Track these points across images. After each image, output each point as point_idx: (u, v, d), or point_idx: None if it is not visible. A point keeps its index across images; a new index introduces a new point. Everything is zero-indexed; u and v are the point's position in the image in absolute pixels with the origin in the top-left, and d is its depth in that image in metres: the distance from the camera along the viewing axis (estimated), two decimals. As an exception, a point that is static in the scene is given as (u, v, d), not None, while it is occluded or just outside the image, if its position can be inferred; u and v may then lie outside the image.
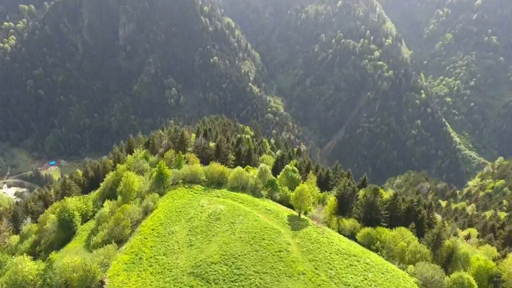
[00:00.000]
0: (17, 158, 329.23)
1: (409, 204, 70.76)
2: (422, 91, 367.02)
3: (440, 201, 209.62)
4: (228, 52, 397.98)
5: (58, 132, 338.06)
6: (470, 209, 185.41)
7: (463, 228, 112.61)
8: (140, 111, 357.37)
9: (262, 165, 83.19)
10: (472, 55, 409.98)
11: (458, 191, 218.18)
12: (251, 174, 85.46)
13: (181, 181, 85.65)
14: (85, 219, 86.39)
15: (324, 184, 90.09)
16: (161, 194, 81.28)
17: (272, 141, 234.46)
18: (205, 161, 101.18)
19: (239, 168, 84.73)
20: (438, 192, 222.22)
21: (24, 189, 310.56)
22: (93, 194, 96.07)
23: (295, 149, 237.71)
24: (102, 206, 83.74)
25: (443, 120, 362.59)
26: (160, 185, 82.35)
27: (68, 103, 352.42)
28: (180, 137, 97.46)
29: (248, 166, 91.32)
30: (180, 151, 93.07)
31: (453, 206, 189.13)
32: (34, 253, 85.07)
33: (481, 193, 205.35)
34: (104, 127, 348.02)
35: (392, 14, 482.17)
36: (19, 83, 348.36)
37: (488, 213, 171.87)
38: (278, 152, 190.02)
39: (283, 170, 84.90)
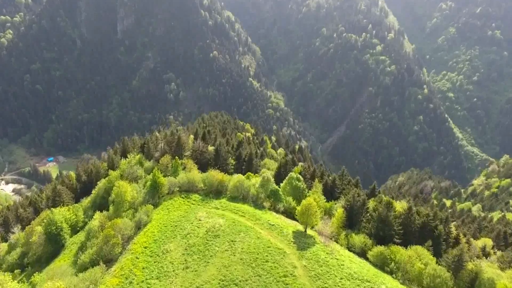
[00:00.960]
0: (15, 154, 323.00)
1: (424, 219, 64.53)
2: (425, 86, 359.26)
3: (444, 200, 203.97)
4: (228, 47, 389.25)
5: (56, 128, 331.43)
6: (475, 209, 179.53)
7: (474, 236, 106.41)
8: (139, 106, 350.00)
9: (264, 173, 76.69)
10: (476, 50, 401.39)
11: (462, 190, 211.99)
12: (253, 182, 79.02)
13: (178, 189, 79.33)
14: (75, 230, 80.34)
15: (330, 192, 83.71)
16: (155, 205, 74.99)
17: (273, 138, 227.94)
18: (203, 166, 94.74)
19: (239, 176, 78.33)
20: (441, 190, 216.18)
21: (22, 186, 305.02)
22: (85, 202, 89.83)
23: (297, 147, 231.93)
24: (93, 216, 77.70)
25: (446, 115, 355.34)
26: (154, 195, 75.97)
27: (66, 98, 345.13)
28: (177, 141, 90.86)
29: (249, 172, 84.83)
30: (176, 157, 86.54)
31: (458, 206, 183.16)
32: (22, 265, 79.45)
33: (486, 193, 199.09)
34: (103, 122, 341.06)
35: (394, 7, 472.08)
36: (16, 78, 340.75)
37: (495, 214, 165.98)
38: (280, 156, 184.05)
39: (287, 178, 78.48)
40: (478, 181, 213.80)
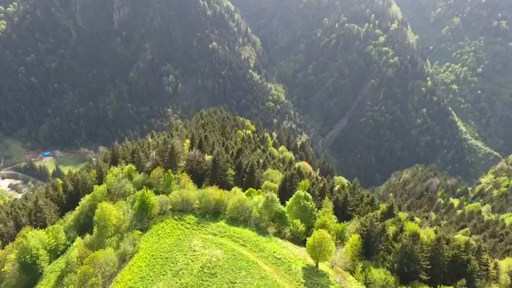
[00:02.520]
0: (11, 148, 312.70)
1: (455, 251, 54.80)
2: (428, 78, 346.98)
3: (451, 199, 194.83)
4: (227, 37, 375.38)
5: (52, 121, 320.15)
6: (485, 210, 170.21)
7: (494, 250, 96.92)
8: (137, 99, 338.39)
9: (268, 190, 66.59)
10: (480, 41, 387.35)
11: (470, 189, 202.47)
12: (255, 201, 69.00)
13: (170, 208, 69.30)
14: (55, 254, 70.60)
15: (341, 210, 73.93)
16: (144, 229, 65.02)
17: (275, 134, 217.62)
18: (200, 178, 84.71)
19: (239, 194, 68.25)
20: (448, 188, 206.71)
21: (19, 181, 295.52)
22: (68, 219, 79.94)
23: (299, 143, 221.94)
24: (75, 241, 67.93)
25: (449, 108, 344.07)
26: (143, 217, 65.93)
27: (62, 91, 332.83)
28: (170, 150, 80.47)
29: (251, 188, 74.66)
30: (169, 170, 76.28)
31: (466, 207, 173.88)
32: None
33: (495, 192, 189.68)
34: (100, 116, 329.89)
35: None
36: (10, 71, 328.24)
37: (506, 217, 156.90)
38: (282, 154, 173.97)
39: (294, 197, 68.43)
40: (486, 179, 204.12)
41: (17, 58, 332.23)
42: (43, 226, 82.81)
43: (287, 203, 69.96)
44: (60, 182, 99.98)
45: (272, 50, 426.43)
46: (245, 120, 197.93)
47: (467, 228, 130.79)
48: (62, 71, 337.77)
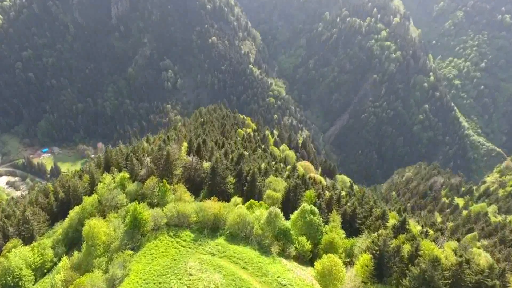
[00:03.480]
0: (8, 145, 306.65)
1: (479, 277, 49.23)
2: (431, 73, 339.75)
3: (456, 198, 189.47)
4: (227, 32, 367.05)
5: (50, 117, 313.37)
6: (491, 211, 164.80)
7: (508, 259, 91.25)
8: (136, 95, 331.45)
9: (271, 208, 60.74)
10: (484, 35, 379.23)
11: (474, 188, 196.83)
12: (257, 215, 63.17)
13: (165, 223, 63.54)
14: (42, 272, 65.00)
15: (349, 223, 68.23)
16: (136, 248, 59.27)
17: (276, 132, 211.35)
18: (198, 186, 79.03)
19: (240, 209, 62.38)
20: (452, 187, 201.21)
21: (17, 178, 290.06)
22: (58, 231, 74.21)
23: (300, 141, 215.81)
24: (65, 252, 62.45)
25: (452, 104, 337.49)
26: (135, 235, 60.14)
27: (59, 87, 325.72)
28: (166, 157, 74.50)
29: (253, 201, 68.81)
30: (164, 180, 70.42)
31: (472, 208, 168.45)
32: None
33: (500, 192, 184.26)
34: (98, 112, 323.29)
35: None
36: (7, 66, 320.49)
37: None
38: (283, 152, 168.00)
39: (299, 211, 62.58)
40: (491, 178, 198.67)
41: (14, 53, 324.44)
42: (31, 238, 77.30)
43: (292, 217, 64.17)
44: (52, 187, 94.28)
45: (272, 44, 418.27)
46: (245, 118, 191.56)
47: (475, 232, 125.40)
48: (60, 66, 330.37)
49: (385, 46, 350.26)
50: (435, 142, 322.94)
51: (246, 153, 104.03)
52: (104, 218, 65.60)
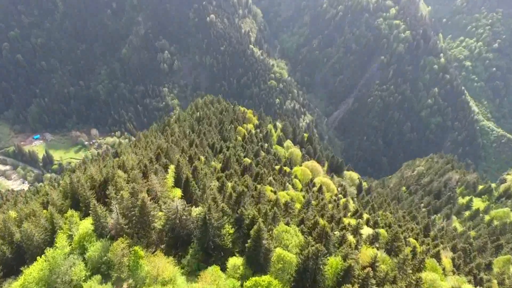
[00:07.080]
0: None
1: None
2: (442, 54, 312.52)
3: (473, 199, 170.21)
4: (226, 9, 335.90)
5: (41, 102, 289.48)
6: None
7: None
8: (130, 77, 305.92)
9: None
10: (498, 13, 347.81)
11: (493, 186, 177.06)
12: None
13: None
14: None
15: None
16: None
17: (279, 125, 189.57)
18: (184, 242, 58.59)
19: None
20: (468, 185, 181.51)
21: (8, 167, 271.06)
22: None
23: (306, 135, 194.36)
24: None
25: (462, 88, 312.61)
26: None
27: (50, 69, 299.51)
28: (140, 208, 53.61)
29: (257, 279, 48.50)
30: (138, 242, 49.92)
31: (494, 213, 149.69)
32: None
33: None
34: (91, 96, 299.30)
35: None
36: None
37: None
38: (288, 149, 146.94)
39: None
40: (511, 176, 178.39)
41: (0, 33, 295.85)
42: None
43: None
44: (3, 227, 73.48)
45: (274, 22, 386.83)
46: (246, 111, 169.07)
47: (509, 256, 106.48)
48: (49, 47, 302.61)
49: (394, 25, 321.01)
50: (444, 128, 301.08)
51: (247, 191, 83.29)
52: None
